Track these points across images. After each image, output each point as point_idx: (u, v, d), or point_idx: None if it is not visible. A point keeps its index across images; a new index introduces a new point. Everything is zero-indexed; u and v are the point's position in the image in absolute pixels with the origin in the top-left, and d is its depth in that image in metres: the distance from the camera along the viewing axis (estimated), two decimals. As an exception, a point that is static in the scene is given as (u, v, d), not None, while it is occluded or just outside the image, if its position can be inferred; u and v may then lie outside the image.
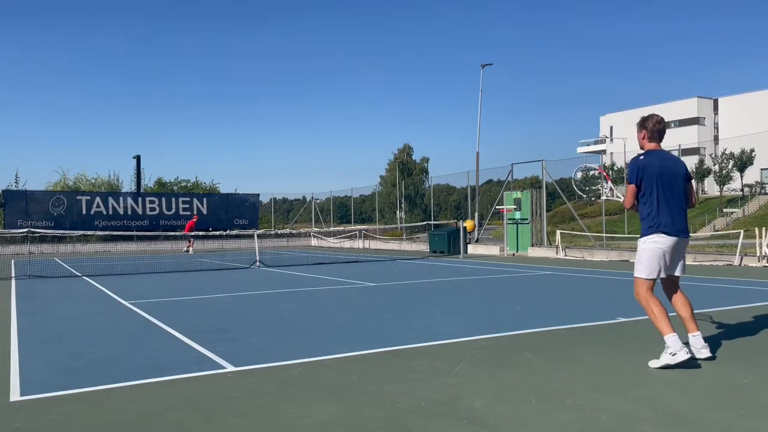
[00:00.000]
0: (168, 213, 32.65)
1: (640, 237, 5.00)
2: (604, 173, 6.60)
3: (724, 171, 49.66)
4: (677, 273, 5.05)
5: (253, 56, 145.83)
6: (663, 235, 4.86)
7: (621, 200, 5.91)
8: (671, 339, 4.66)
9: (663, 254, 4.89)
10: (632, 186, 4.98)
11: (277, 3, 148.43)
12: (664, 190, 4.90)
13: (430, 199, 37.16)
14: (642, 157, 4.99)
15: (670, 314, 4.86)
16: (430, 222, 27.16)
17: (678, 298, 5.06)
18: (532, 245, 20.89)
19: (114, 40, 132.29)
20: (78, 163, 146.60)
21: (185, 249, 28.11)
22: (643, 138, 5.11)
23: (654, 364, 4.72)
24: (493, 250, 22.45)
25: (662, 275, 4.96)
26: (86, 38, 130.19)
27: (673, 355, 4.62)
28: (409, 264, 17.80)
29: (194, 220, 28.97)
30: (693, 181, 5.02)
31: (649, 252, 4.91)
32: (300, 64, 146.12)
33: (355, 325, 7.14)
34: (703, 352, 4.86)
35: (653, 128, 5.05)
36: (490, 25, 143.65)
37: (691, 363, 4.68)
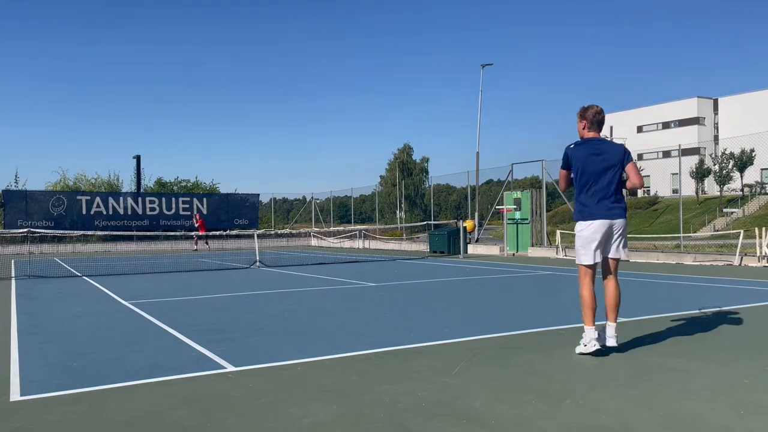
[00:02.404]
0: (168, 213, 32.65)
1: (576, 223, 5.32)
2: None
3: (724, 171, 49.69)
4: (611, 255, 5.27)
5: (253, 56, 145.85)
6: (591, 220, 5.17)
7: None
8: (589, 331, 5.13)
9: (595, 238, 5.17)
10: (562, 171, 5.41)
11: (278, 3, 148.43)
12: (588, 178, 5.19)
13: (430, 199, 37.15)
14: (573, 146, 5.32)
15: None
16: (430, 222, 27.15)
17: (609, 283, 5.30)
18: (532, 245, 20.89)
19: (114, 42, 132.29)
20: (78, 163, 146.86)
21: (206, 246, 28.51)
22: (584, 128, 5.33)
23: (577, 349, 5.22)
24: (493, 250, 22.44)
25: (598, 259, 5.23)
26: (86, 40, 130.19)
27: (584, 345, 5.13)
28: (409, 264, 17.80)
29: (199, 220, 29.26)
30: (633, 163, 5.27)
31: (584, 239, 5.21)
32: (300, 64, 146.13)
33: (355, 325, 7.14)
34: (611, 341, 5.19)
35: (593, 118, 5.27)
36: (491, 25, 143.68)
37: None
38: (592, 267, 5.24)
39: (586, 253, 5.21)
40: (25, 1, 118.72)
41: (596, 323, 5.24)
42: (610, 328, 5.20)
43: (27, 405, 4.08)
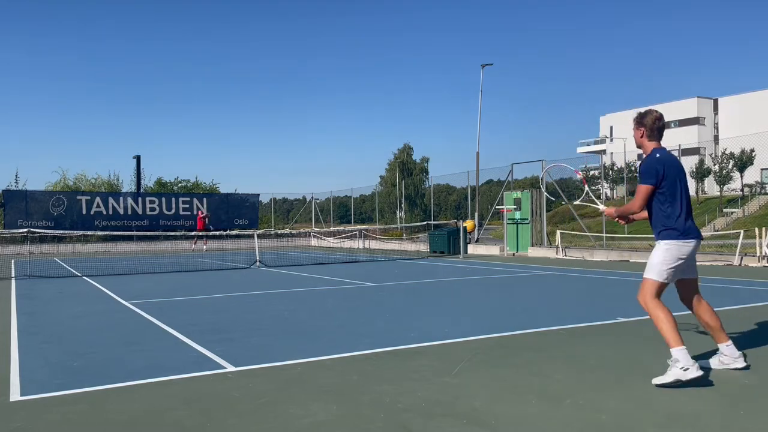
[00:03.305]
0: (168, 213, 32.61)
1: (662, 239, 4.49)
2: (582, 177, 6.74)
3: (724, 171, 49.63)
4: (693, 276, 4.69)
5: (252, 56, 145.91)
6: (690, 240, 4.44)
7: (599, 208, 5.57)
8: (681, 352, 4.19)
9: (683, 259, 4.47)
10: (648, 186, 4.44)
11: (277, 2, 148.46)
12: (684, 191, 4.52)
13: (430, 199, 37.15)
14: (659, 155, 4.51)
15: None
16: (430, 222, 27.15)
17: (701, 305, 4.67)
18: (532, 245, 20.89)
19: (114, 41, 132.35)
20: (78, 163, 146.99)
21: (202, 247, 28.45)
22: (642, 136, 4.64)
23: (660, 380, 4.21)
24: (493, 250, 22.44)
25: (673, 280, 4.59)
26: (87, 39, 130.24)
27: (685, 370, 4.13)
28: (409, 264, 17.80)
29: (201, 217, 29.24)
30: (692, 181, 4.89)
31: (673, 256, 4.44)
32: (300, 63, 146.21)
33: (355, 325, 7.14)
34: (739, 361, 4.55)
35: (653, 125, 4.59)
36: (491, 25, 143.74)
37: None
38: (665, 286, 4.54)
39: (667, 270, 4.44)
40: (25, 1, 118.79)
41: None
42: (732, 347, 4.55)
43: (27, 405, 4.09)
